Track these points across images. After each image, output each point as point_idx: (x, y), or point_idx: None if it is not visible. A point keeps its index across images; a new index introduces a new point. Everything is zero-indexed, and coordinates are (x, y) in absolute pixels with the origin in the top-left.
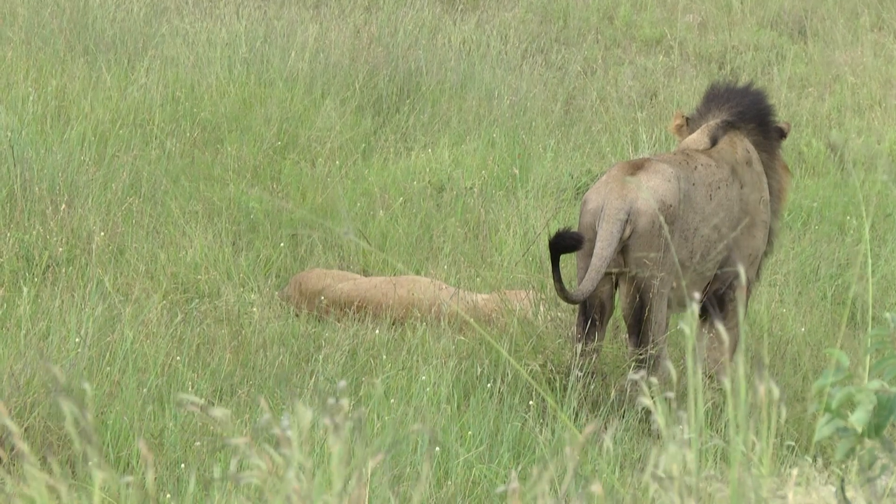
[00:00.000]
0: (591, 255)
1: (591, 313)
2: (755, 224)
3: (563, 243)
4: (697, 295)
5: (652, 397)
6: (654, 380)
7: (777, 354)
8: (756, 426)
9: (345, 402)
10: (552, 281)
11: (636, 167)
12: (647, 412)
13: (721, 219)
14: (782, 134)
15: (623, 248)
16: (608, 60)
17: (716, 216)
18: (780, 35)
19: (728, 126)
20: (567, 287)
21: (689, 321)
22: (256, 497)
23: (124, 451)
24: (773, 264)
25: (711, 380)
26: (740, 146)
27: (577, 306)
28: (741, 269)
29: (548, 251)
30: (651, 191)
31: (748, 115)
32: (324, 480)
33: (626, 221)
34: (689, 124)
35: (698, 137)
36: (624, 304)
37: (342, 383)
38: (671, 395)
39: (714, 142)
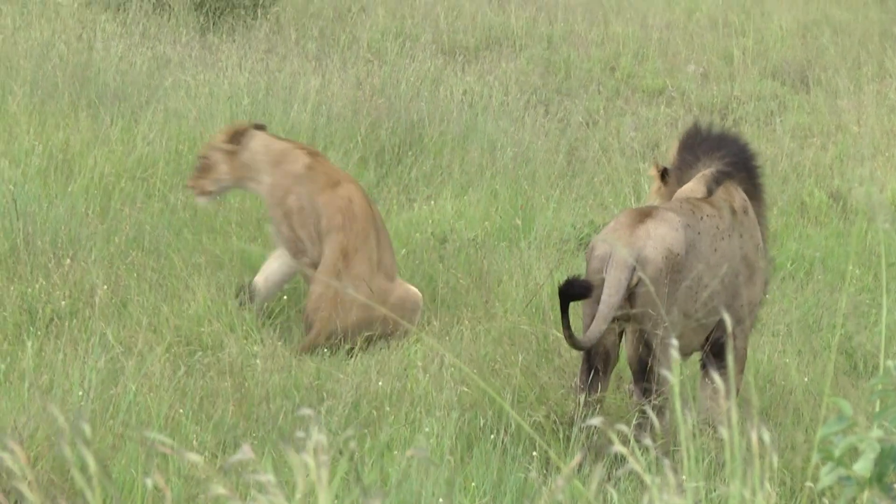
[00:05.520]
0: (598, 301)
1: (595, 362)
2: (754, 272)
3: (573, 291)
4: (675, 341)
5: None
6: (624, 427)
7: (780, 405)
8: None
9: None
10: (561, 328)
11: (644, 215)
12: (618, 459)
13: (725, 269)
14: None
15: (630, 296)
16: (610, 111)
17: (720, 266)
18: (782, 85)
19: (724, 176)
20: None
21: (674, 369)
22: None
23: None
24: (775, 314)
25: (715, 430)
26: (737, 195)
27: (580, 356)
28: (727, 317)
29: (553, 300)
30: (659, 239)
31: (740, 164)
32: None
33: (634, 269)
34: (669, 174)
35: (695, 186)
36: (630, 352)
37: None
38: (648, 440)
39: (710, 191)
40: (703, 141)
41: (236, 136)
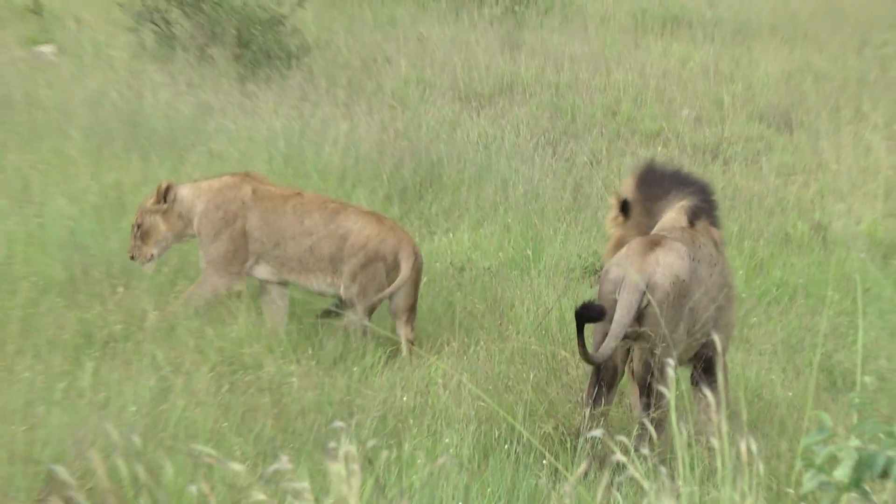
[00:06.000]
0: (610, 321)
1: (603, 378)
2: (733, 296)
3: (587, 314)
4: (672, 361)
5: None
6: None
7: (766, 417)
8: (741, 480)
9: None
10: (569, 348)
11: (654, 244)
12: (619, 467)
13: (716, 292)
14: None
15: (639, 316)
16: (612, 152)
17: (713, 290)
18: (768, 127)
19: (700, 210)
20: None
21: (671, 385)
22: None
23: None
24: (762, 335)
25: (708, 441)
26: (713, 228)
27: (588, 373)
28: (717, 339)
29: (561, 323)
30: (667, 266)
31: (711, 200)
32: None
33: (644, 292)
34: (629, 205)
35: (677, 216)
36: (637, 368)
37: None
38: (646, 450)
39: (692, 223)
40: (664, 176)
41: (165, 194)
